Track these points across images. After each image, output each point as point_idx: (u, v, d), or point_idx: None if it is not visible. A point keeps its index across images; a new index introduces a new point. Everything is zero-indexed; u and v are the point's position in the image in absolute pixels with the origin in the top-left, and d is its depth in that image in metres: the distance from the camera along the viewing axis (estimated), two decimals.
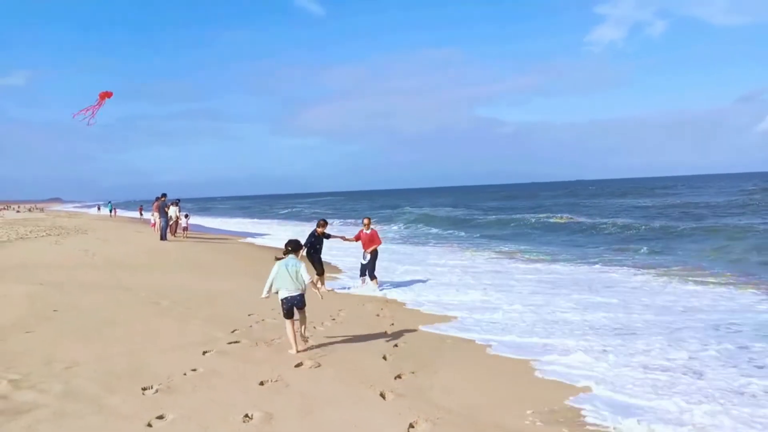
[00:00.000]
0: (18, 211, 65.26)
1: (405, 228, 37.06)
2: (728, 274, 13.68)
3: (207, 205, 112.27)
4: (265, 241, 26.06)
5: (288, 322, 6.92)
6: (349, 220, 42.44)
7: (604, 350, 7.19)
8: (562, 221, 32.85)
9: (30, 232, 27.39)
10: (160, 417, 4.80)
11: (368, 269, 12.28)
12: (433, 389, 5.75)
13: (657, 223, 28.04)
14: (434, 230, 33.49)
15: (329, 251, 12.70)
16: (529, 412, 5.17)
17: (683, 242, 21.09)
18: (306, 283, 6.88)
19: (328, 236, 12.29)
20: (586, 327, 8.51)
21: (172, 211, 24.78)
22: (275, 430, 4.64)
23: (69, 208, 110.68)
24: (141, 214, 50.38)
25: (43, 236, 24.90)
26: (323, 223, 12.24)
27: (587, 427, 4.89)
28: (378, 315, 9.56)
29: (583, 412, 5.17)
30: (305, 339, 7.27)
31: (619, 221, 30.02)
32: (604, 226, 28.52)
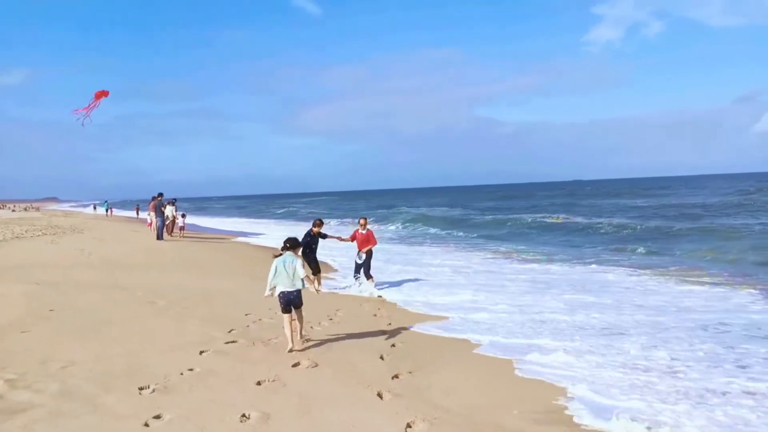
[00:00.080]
0: (14, 211, 65.03)
1: (403, 228, 37.09)
2: (725, 274, 13.73)
3: (203, 204, 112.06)
4: (260, 241, 26.05)
5: (286, 317, 7.04)
6: (347, 220, 42.42)
7: (589, 350, 7.20)
8: (559, 221, 32.93)
9: (26, 231, 27.29)
10: (157, 417, 4.79)
11: (364, 268, 12.29)
12: (431, 389, 5.75)
13: (654, 224, 28.15)
14: (431, 230, 33.54)
15: (324, 251, 12.70)
16: (516, 412, 5.19)
17: (680, 242, 21.16)
18: (302, 277, 7.01)
19: (324, 236, 12.29)
20: (574, 327, 8.52)
21: (169, 210, 24.72)
22: (272, 430, 4.64)
23: (65, 207, 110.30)
24: (137, 214, 50.27)
25: (39, 236, 24.81)
26: (319, 223, 12.23)
27: (572, 427, 4.91)
28: (375, 315, 9.56)
29: (566, 412, 5.19)
30: (303, 340, 7.30)
31: (617, 221, 30.12)
32: (601, 226, 28.60)
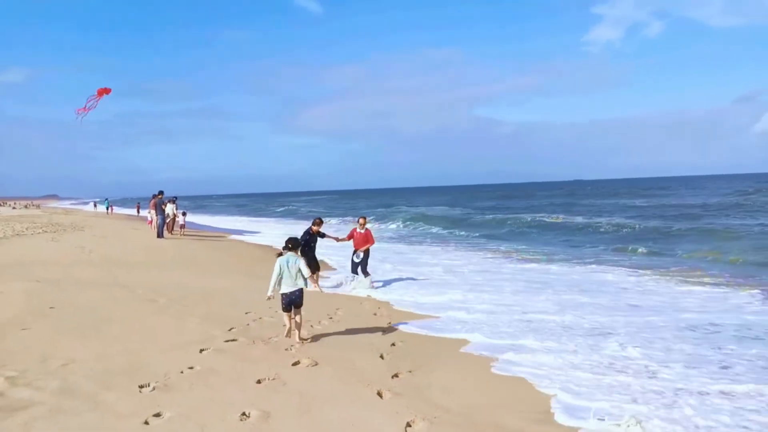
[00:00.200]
0: (14, 208, 64.98)
1: (403, 226, 37.10)
2: (726, 275, 13.73)
3: (203, 203, 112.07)
4: (256, 239, 26.04)
5: (286, 315, 7.35)
6: (347, 218, 42.42)
7: (570, 350, 7.19)
8: (559, 221, 32.94)
9: (26, 228, 27.29)
10: (157, 415, 4.80)
11: (361, 266, 12.34)
12: (431, 388, 5.76)
13: (654, 224, 28.15)
14: (432, 229, 33.54)
15: (321, 249, 12.72)
16: (520, 411, 5.20)
17: (681, 243, 21.16)
18: (306, 277, 7.26)
19: (323, 235, 12.33)
20: (562, 327, 8.50)
21: (169, 208, 24.72)
22: (272, 429, 4.64)
23: (66, 205, 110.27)
24: (138, 212, 50.27)
25: (39, 233, 24.81)
26: (319, 222, 12.27)
27: (549, 426, 4.93)
28: (375, 314, 9.57)
29: (544, 412, 5.21)
30: (302, 341, 7.32)
31: (617, 221, 30.12)
32: (602, 225, 28.61)
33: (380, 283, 12.66)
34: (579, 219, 33.29)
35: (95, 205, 74.00)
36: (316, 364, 6.36)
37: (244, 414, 4.86)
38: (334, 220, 41.59)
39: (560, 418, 5.09)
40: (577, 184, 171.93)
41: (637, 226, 27.42)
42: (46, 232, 25.58)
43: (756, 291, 11.43)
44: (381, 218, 43.04)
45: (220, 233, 30.10)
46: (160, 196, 23.96)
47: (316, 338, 7.63)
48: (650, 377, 6.17)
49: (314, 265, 11.86)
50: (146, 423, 4.65)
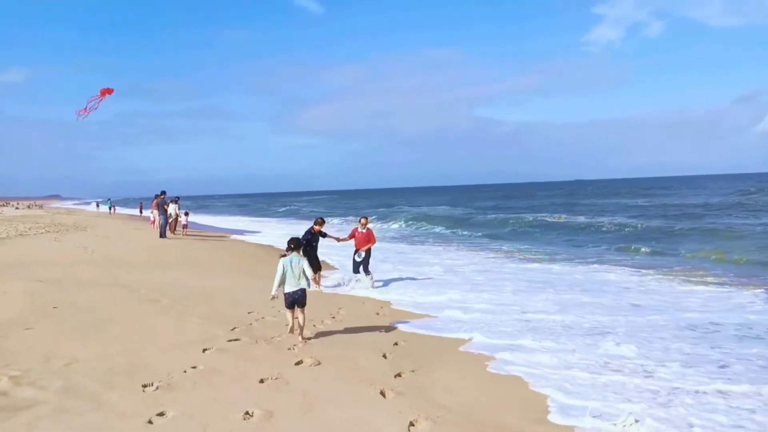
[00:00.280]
0: (17, 208, 65.11)
1: (406, 226, 37.10)
2: (729, 275, 13.69)
3: (205, 203, 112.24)
4: (258, 239, 26.08)
5: (289, 312, 7.48)
6: (349, 218, 42.44)
7: (566, 350, 7.17)
8: (561, 221, 32.91)
9: (29, 229, 27.34)
10: (161, 414, 4.80)
11: (363, 265, 12.37)
12: (434, 388, 5.76)
13: (657, 223, 28.11)
14: (434, 229, 33.53)
15: (322, 249, 12.73)
16: (518, 412, 5.20)
17: (684, 242, 21.13)
18: (309, 277, 7.39)
19: (324, 235, 12.36)
20: (562, 327, 8.48)
21: (172, 208, 24.76)
22: (275, 428, 4.64)
23: (68, 205, 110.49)
24: (141, 212, 50.35)
25: (42, 233, 24.86)
26: (321, 221, 12.29)
27: (545, 426, 4.93)
28: (378, 313, 9.57)
29: (539, 411, 5.20)
30: (305, 340, 7.34)
31: (620, 221, 30.08)
32: (604, 225, 28.57)
33: (380, 283, 12.67)
34: (581, 219, 33.26)
35: (98, 206, 74.14)
36: (319, 364, 6.36)
37: (247, 413, 4.86)
38: (335, 220, 41.60)
39: (557, 417, 5.07)
40: (578, 184, 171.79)
41: (639, 225, 27.38)
42: (48, 232, 25.63)
43: (760, 291, 11.38)
44: (383, 218, 43.07)
45: (222, 233, 30.14)
46: (162, 196, 23.99)
47: (318, 338, 7.63)
48: (647, 376, 6.15)
49: (316, 265, 11.87)
50: (150, 422, 4.65)
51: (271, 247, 21.01)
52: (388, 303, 10.57)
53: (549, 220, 33.33)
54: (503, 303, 10.39)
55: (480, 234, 29.01)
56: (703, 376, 6.16)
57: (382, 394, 5.48)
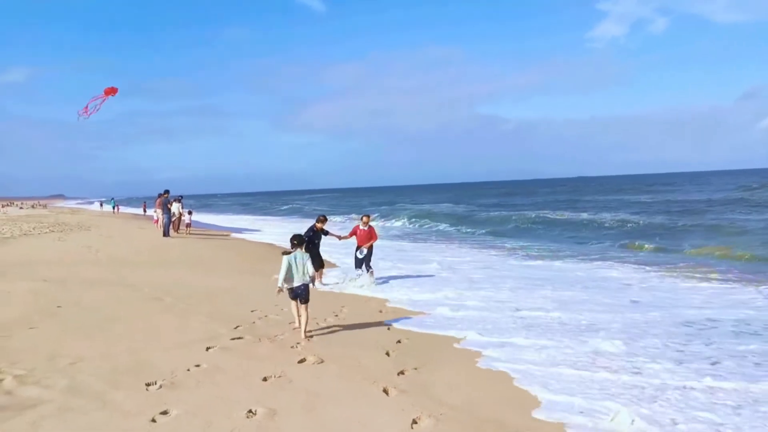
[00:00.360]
0: (21, 208, 65.35)
1: (409, 223, 37.09)
2: (734, 271, 13.63)
3: (208, 201, 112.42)
4: (260, 237, 26.10)
5: (293, 303, 7.70)
6: (352, 216, 42.46)
7: (563, 347, 7.13)
8: (564, 217, 32.85)
9: (33, 228, 27.45)
10: (164, 412, 4.82)
11: (365, 262, 12.45)
12: (436, 385, 5.76)
13: (660, 220, 28.05)
14: (438, 226, 33.51)
15: (323, 247, 12.74)
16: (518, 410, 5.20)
17: (688, 239, 21.03)
18: (310, 274, 7.53)
19: (326, 233, 12.39)
20: (559, 324, 8.44)
21: (175, 207, 24.81)
22: (279, 426, 4.66)
23: (72, 204, 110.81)
24: (144, 211, 50.47)
25: (46, 233, 24.96)
26: (323, 219, 12.32)
27: (529, 422, 4.92)
28: (381, 311, 9.57)
29: (528, 408, 5.20)
30: (308, 337, 7.37)
31: (623, 217, 30.01)
32: (607, 221, 28.52)
33: (380, 280, 12.68)
34: (584, 215, 33.18)
35: (101, 205, 74.33)
36: (322, 362, 6.37)
37: (250, 411, 4.88)
38: (338, 218, 41.62)
39: (547, 413, 5.05)
40: (581, 181, 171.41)
41: (642, 222, 27.32)
42: (52, 231, 25.72)
43: (764, 287, 11.31)
44: (386, 215, 43.05)
45: (225, 232, 30.19)
46: (165, 196, 24.04)
47: (321, 336, 7.65)
48: (635, 373, 6.12)
49: (318, 262, 11.90)
50: (153, 421, 4.67)
51: (273, 245, 21.04)
52: (386, 300, 10.55)
53: (552, 217, 33.27)
54: (501, 300, 10.36)
55: (483, 231, 28.95)
56: (693, 372, 6.12)
57: (385, 391, 5.49)
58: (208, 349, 6.76)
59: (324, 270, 12.76)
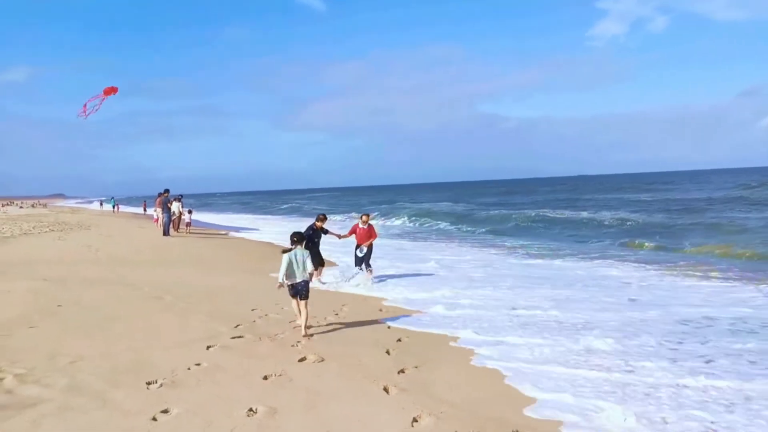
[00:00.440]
0: (21, 207, 65.35)
1: (409, 222, 37.09)
2: (734, 269, 13.62)
3: (208, 200, 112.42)
4: (259, 236, 26.12)
5: (294, 300, 7.79)
6: (352, 214, 42.44)
7: (557, 345, 7.11)
8: (564, 216, 32.85)
9: (33, 227, 27.44)
10: (165, 411, 4.82)
11: (365, 260, 12.47)
12: (436, 384, 5.76)
13: (660, 218, 28.04)
14: (438, 225, 33.50)
15: (323, 246, 12.73)
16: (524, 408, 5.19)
17: (688, 237, 21.01)
18: (308, 271, 7.65)
19: (326, 231, 12.40)
20: (556, 322, 8.42)
21: (175, 206, 24.80)
22: (279, 425, 4.66)
23: (72, 203, 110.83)
24: (144, 210, 50.48)
25: (46, 232, 24.96)
26: (323, 218, 12.32)
27: (522, 419, 4.91)
28: (381, 310, 9.57)
29: (520, 405, 5.20)
30: (308, 336, 7.36)
31: (623, 216, 30.00)
32: (607, 221, 28.51)
33: (378, 279, 12.69)
34: (584, 214, 33.18)
35: (101, 204, 74.34)
36: (323, 360, 6.37)
37: (250, 410, 4.88)
38: (338, 217, 41.61)
39: (538, 411, 5.05)
40: (581, 180, 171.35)
41: (642, 220, 27.31)
42: (52, 230, 25.72)
43: (764, 285, 11.30)
44: (385, 214, 43.05)
45: (226, 231, 30.20)
46: (165, 195, 24.03)
47: (322, 334, 7.65)
48: (627, 371, 6.10)
49: (318, 260, 11.91)
50: (154, 419, 4.67)
51: (273, 244, 21.04)
52: (383, 299, 10.54)
53: (552, 215, 33.26)
54: (498, 299, 10.34)
55: (483, 230, 28.93)
56: (686, 371, 6.09)
57: (386, 390, 5.49)
58: (208, 347, 6.76)
59: (323, 269, 12.76)
